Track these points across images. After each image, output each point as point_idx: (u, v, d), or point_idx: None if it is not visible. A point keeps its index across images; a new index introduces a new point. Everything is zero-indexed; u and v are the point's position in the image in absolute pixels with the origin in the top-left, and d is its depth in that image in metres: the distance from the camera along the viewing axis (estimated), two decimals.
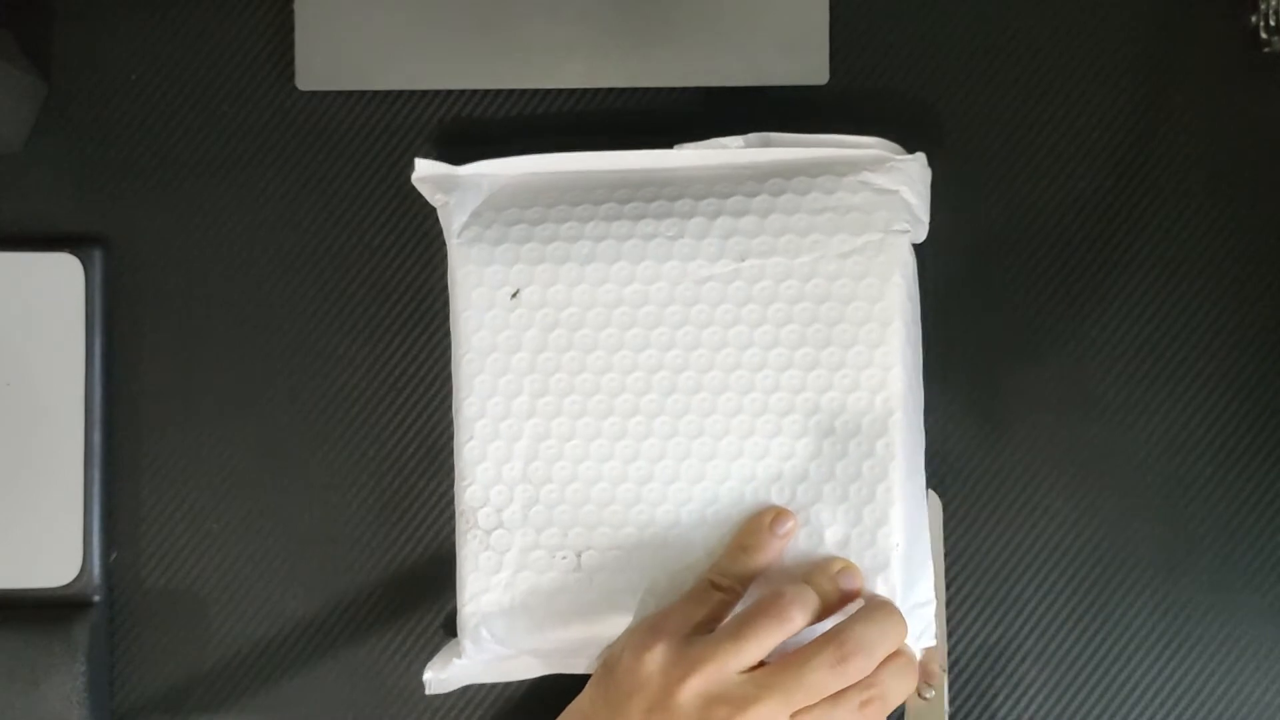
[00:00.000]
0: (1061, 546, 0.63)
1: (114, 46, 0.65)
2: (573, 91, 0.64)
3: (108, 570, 0.64)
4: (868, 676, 0.55)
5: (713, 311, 0.59)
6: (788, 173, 0.60)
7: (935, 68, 0.64)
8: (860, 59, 0.64)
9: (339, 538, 0.64)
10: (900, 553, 0.58)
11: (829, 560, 0.58)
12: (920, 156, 0.60)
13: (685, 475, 0.59)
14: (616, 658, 0.56)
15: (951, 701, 0.63)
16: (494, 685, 0.64)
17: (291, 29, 0.65)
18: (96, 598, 0.63)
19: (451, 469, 0.61)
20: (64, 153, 0.65)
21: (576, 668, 0.61)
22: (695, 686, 0.53)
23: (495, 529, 0.60)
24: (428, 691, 0.61)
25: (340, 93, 0.65)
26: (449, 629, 0.64)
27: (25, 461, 0.63)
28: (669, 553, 0.59)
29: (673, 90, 0.64)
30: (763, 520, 0.58)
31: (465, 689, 0.64)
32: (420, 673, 0.61)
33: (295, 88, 0.65)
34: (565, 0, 0.64)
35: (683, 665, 0.54)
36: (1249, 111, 0.64)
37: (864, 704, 0.55)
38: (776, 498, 0.59)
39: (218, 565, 0.65)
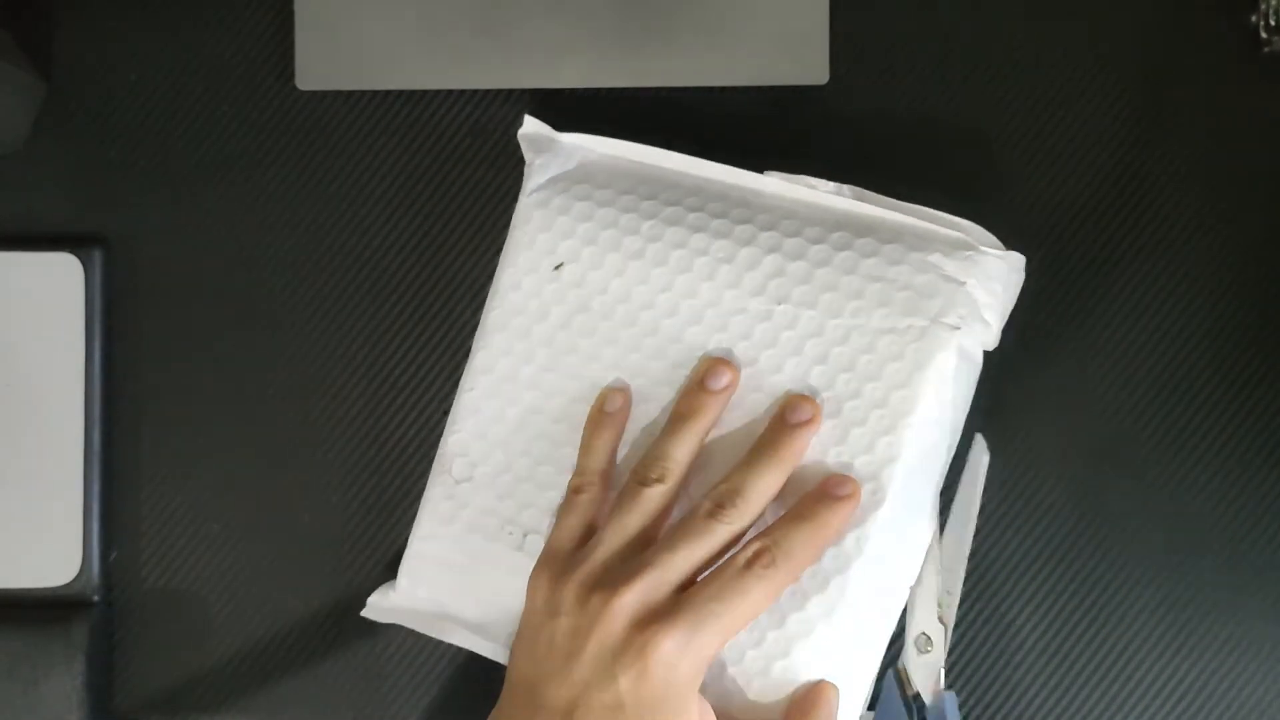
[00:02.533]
0: (1063, 546, 0.63)
1: (114, 46, 0.65)
2: (573, 91, 0.65)
3: (107, 570, 0.64)
4: (762, 531, 0.53)
5: (734, 345, 0.58)
6: (861, 230, 0.57)
7: (935, 68, 0.64)
8: (860, 59, 0.64)
9: (339, 538, 0.64)
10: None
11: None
12: (1012, 257, 0.57)
13: None
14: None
15: (961, 705, 0.63)
16: (495, 688, 0.64)
17: (291, 29, 0.65)
18: (96, 597, 0.63)
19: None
20: (64, 153, 0.65)
21: (496, 655, 0.60)
22: (570, 594, 0.53)
23: (464, 481, 0.60)
24: (363, 613, 0.61)
25: (340, 93, 0.65)
26: None
27: (25, 461, 0.63)
28: None
29: (673, 90, 0.64)
30: (696, 375, 0.57)
31: (467, 688, 0.64)
32: (419, 673, 0.61)
33: (295, 88, 0.65)
34: (565, 0, 0.64)
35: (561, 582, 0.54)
36: (1249, 111, 0.64)
37: (754, 559, 0.52)
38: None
39: (218, 565, 0.65)
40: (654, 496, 0.55)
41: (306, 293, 0.65)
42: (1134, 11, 0.64)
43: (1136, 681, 0.63)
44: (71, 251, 0.64)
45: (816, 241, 0.57)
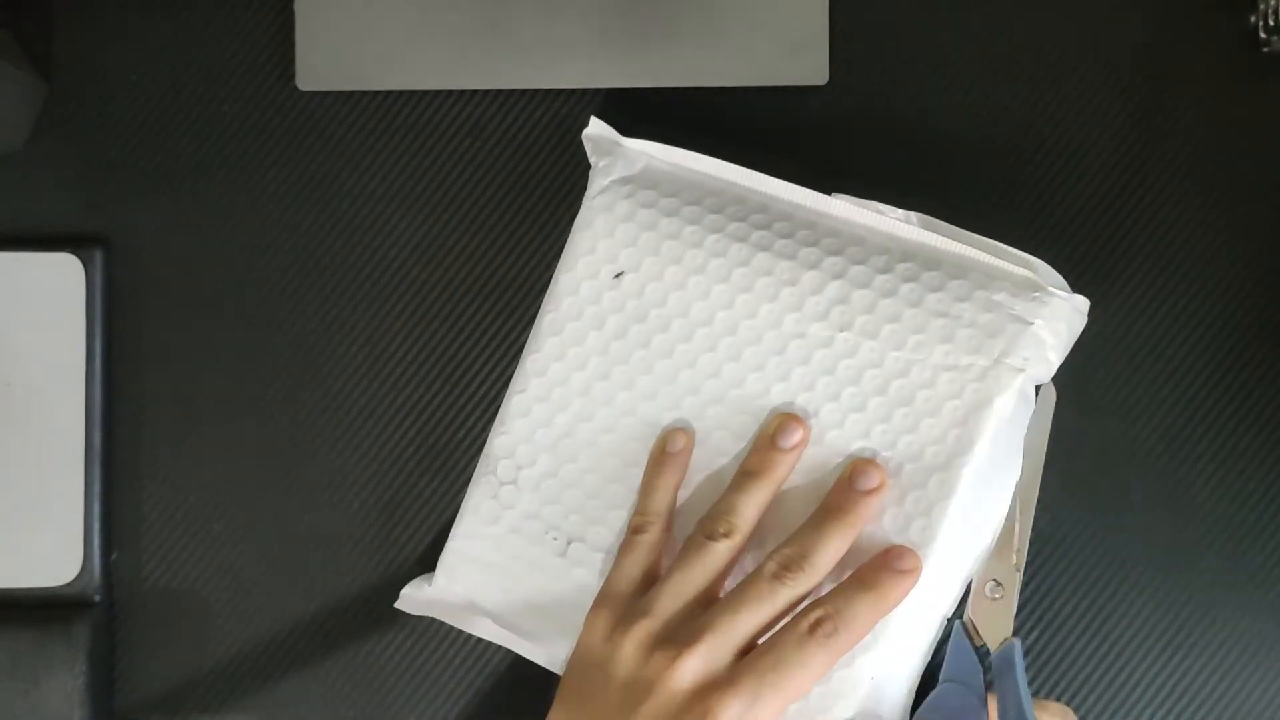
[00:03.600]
0: (1064, 545, 0.63)
1: (114, 46, 0.65)
2: (573, 91, 0.64)
3: (108, 570, 0.64)
4: (823, 597, 0.53)
5: (790, 369, 0.57)
6: (929, 261, 0.56)
7: (935, 68, 0.64)
8: (860, 59, 0.64)
9: (339, 538, 0.65)
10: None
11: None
12: (1078, 300, 0.56)
13: (699, 515, 0.57)
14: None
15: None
16: (495, 689, 0.64)
17: (292, 29, 0.65)
18: (97, 597, 0.63)
19: (453, 467, 0.61)
20: (64, 153, 0.65)
21: (534, 655, 0.60)
22: (633, 651, 0.53)
23: (508, 484, 0.60)
24: (396, 604, 0.61)
25: (340, 93, 0.65)
26: (450, 629, 0.64)
27: (26, 461, 0.63)
28: None
29: (673, 90, 0.64)
30: (766, 431, 0.56)
31: (466, 688, 0.64)
32: (419, 673, 0.61)
33: (295, 88, 0.65)
34: (565, 0, 0.64)
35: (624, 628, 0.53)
36: (1249, 111, 0.64)
37: (815, 626, 0.52)
38: None
39: (218, 565, 0.65)
40: (720, 552, 0.54)
41: (307, 293, 0.65)
42: (1134, 12, 0.64)
43: (1136, 680, 0.63)
44: (72, 251, 0.64)
45: (883, 271, 0.56)
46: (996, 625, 0.57)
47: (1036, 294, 0.55)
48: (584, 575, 0.59)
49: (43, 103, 0.65)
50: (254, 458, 0.65)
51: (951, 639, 0.57)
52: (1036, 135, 0.64)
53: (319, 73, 0.65)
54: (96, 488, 0.64)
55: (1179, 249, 0.64)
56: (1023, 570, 0.57)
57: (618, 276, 0.59)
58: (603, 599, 0.55)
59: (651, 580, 0.56)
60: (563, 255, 0.61)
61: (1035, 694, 0.63)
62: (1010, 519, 0.57)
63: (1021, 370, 0.54)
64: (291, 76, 0.65)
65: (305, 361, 0.65)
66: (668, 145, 0.60)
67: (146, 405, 0.65)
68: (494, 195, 0.65)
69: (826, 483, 0.56)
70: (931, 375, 0.55)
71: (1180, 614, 0.63)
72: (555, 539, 0.60)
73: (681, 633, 0.52)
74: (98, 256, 0.64)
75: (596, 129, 0.61)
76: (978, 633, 0.57)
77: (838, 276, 0.57)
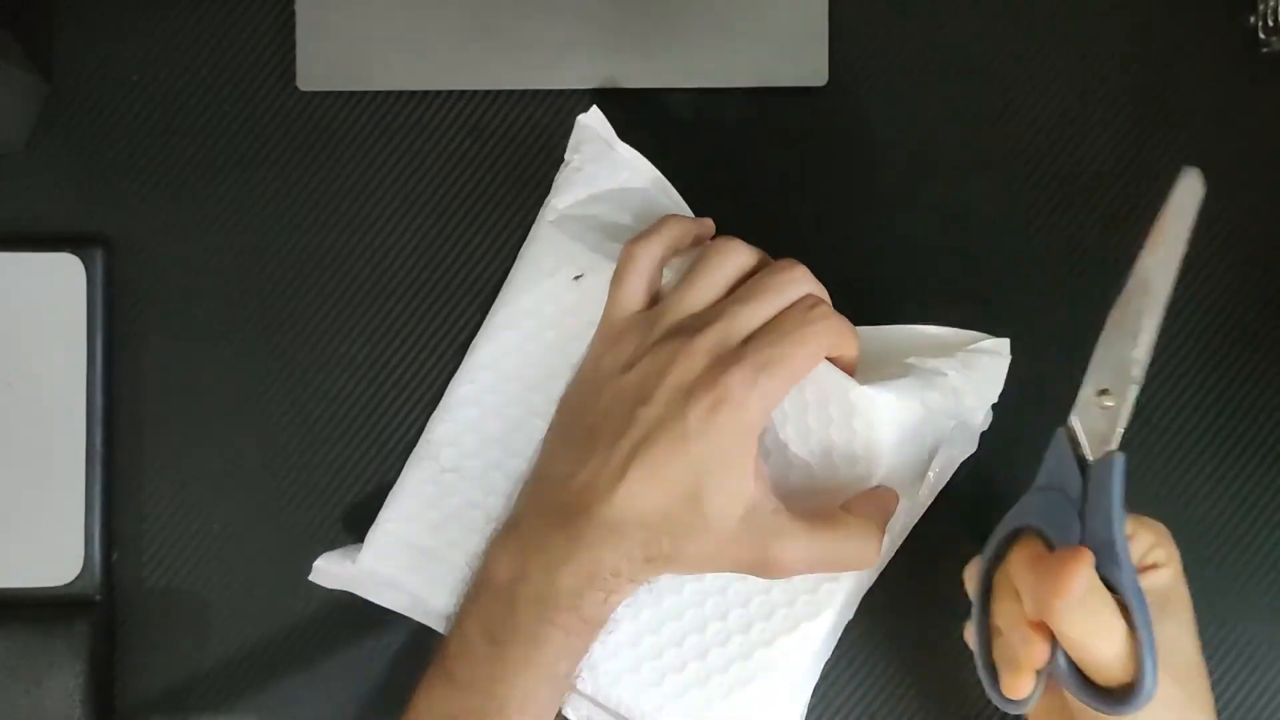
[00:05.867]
0: None
1: (114, 46, 0.65)
2: (573, 91, 0.65)
3: (109, 570, 0.64)
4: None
5: None
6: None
7: (935, 69, 0.64)
8: (860, 59, 0.64)
9: (340, 538, 0.65)
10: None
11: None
12: (988, 343, 0.60)
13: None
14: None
15: None
16: None
17: (292, 29, 0.65)
18: (98, 597, 0.63)
19: None
20: (65, 153, 0.65)
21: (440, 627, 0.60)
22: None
23: (450, 471, 0.61)
24: (310, 576, 0.61)
25: (341, 93, 0.65)
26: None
27: (27, 461, 0.63)
28: None
29: (673, 90, 0.64)
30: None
31: None
32: (418, 674, 0.61)
33: (296, 88, 0.65)
34: (565, 0, 0.64)
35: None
36: (1249, 111, 0.64)
37: (812, 306, 0.55)
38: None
39: (218, 565, 0.65)
40: (731, 263, 0.57)
41: (307, 293, 0.65)
42: (1133, 12, 0.64)
43: None
44: (73, 251, 0.64)
45: None
46: (1100, 435, 0.53)
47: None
48: None
49: (43, 103, 0.65)
50: (254, 457, 0.65)
51: (1051, 446, 0.54)
52: (1035, 134, 0.64)
53: (319, 73, 0.65)
54: (97, 487, 0.64)
55: None
56: (1140, 384, 0.53)
57: (577, 278, 0.59)
58: (610, 323, 0.57)
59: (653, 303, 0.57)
60: (522, 250, 0.61)
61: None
62: (1135, 321, 0.54)
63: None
64: (292, 76, 0.65)
65: (306, 361, 0.65)
66: (656, 170, 0.61)
67: (147, 405, 0.65)
68: (494, 195, 0.65)
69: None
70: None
71: None
72: (496, 530, 0.60)
73: (690, 324, 0.54)
74: (98, 256, 0.64)
75: (593, 120, 0.61)
76: (1081, 441, 0.54)
77: None
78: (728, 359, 0.53)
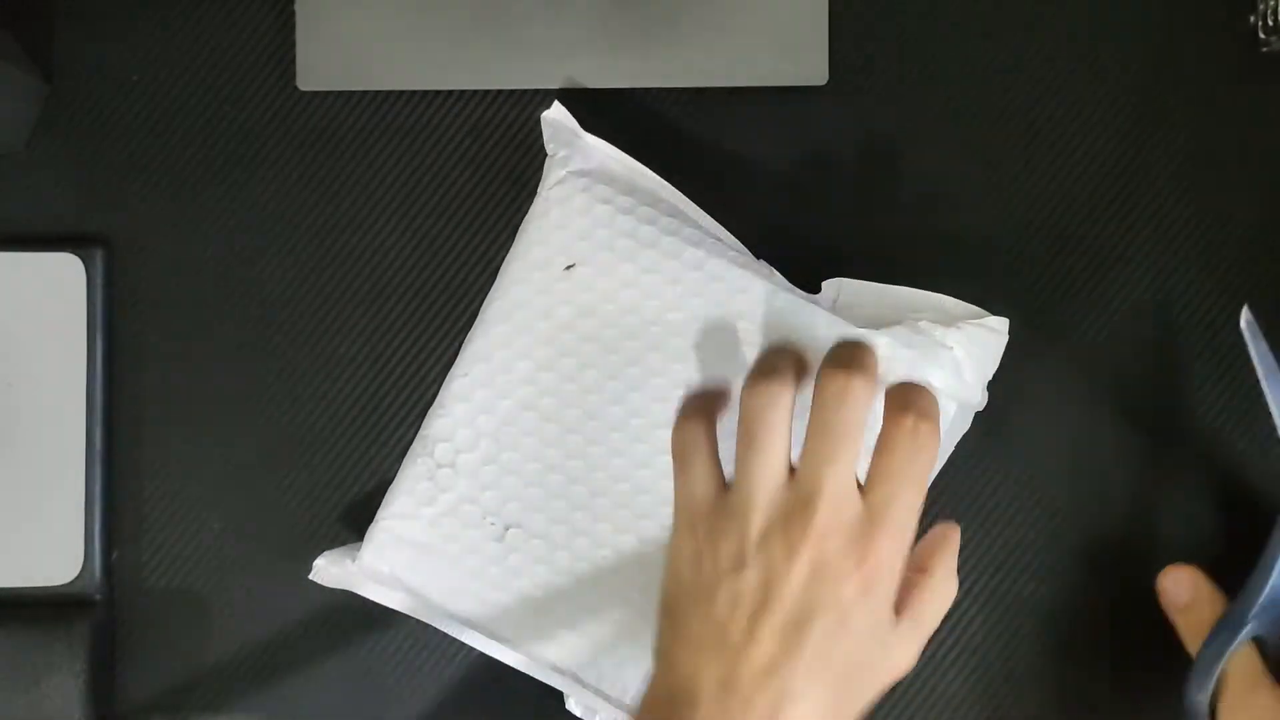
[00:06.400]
0: (1064, 543, 0.63)
1: (114, 46, 0.65)
2: (573, 91, 0.65)
3: (109, 569, 0.64)
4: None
5: (738, 374, 0.56)
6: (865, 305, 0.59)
7: (935, 68, 0.64)
8: (860, 59, 0.64)
9: (340, 538, 0.65)
10: None
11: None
12: (992, 321, 0.59)
13: (637, 508, 0.59)
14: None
15: (955, 702, 0.63)
16: (495, 688, 0.64)
17: (292, 29, 0.65)
18: (98, 597, 0.63)
19: None
20: (65, 153, 0.65)
21: (463, 635, 0.61)
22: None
23: (445, 467, 0.61)
24: (310, 576, 0.61)
25: (341, 93, 0.65)
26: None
27: (27, 461, 0.63)
28: (582, 568, 0.60)
29: (673, 90, 0.64)
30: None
31: (467, 688, 0.64)
32: (420, 673, 0.61)
33: (296, 88, 0.65)
34: (566, 0, 0.64)
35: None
36: (1249, 111, 0.64)
37: (915, 416, 0.50)
38: None
39: (219, 565, 0.65)
40: (780, 404, 0.51)
41: (307, 293, 0.65)
42: (1133, 12, 0.64)
43: (1134, 679, 0.63)
44: (73, 251, 0.64)
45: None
46: None
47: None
48: (520, 560, 0.60)
49: (43, 103, 0.65)
50: (254, 458, 0.65)
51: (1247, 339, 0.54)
52: (1036, 135, 0.64)
53: (319, 73, 0.65)
54: (97, 487, 0.64)
55: (1178, 248, 0.64)
56: None
57: (569, 268, 0.59)
58: (687, 517, 0.51)
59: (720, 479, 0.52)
60: (514, 242, 0.61)
61: None
62: None
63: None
64: (292, 76, 0.65)
65: (305, 361, 0.65)
66: (622, 151, 0.61)
67: (147, 405, 0.65)
68: (494, 195, 0.65)
69: None
70: None
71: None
72: (493, 524, 0.60)
73: (789, 505, 0.49)
74: (98, 256, 0.64)
75: (557, 114, 0.61)
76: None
77: (788, 291, 0.59)
78: (858, 530, 0.49)
